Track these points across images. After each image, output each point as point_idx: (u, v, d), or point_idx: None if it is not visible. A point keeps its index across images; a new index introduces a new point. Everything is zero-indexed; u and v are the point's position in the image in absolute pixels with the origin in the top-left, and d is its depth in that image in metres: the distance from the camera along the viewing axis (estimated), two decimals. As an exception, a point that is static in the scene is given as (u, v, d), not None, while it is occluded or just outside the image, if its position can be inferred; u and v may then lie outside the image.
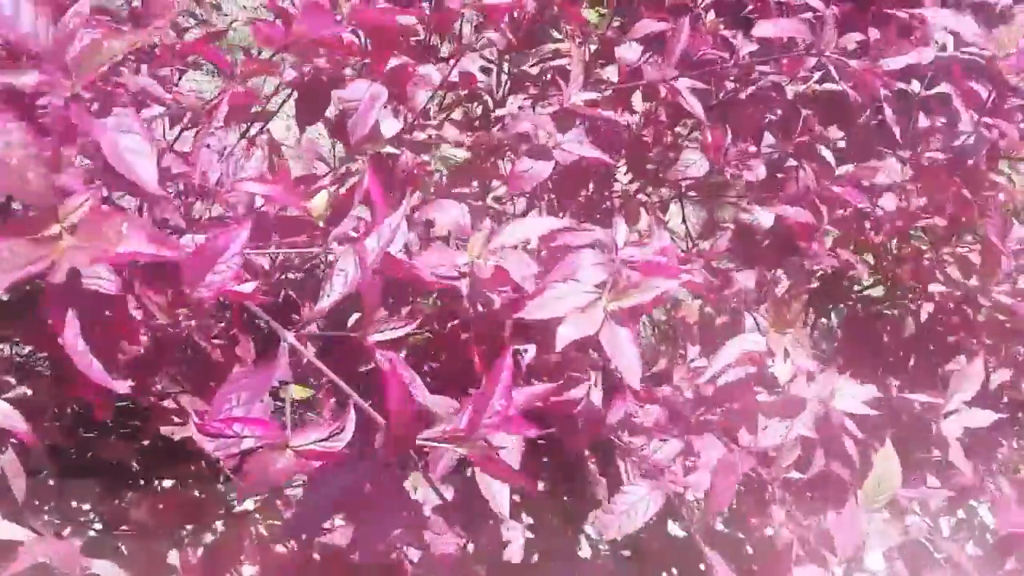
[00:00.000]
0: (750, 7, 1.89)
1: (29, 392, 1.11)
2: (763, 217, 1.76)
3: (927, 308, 1.76)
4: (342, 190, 1.27)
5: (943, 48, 1.77)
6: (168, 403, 1.17)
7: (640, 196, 1.77)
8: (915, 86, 1.83)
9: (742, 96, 1.80)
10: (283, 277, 1.34)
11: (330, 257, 0.99)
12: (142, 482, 1.47)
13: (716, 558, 1.18)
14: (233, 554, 1.09)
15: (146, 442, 1.47)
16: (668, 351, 1.48)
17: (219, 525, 1.28)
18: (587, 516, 1.62)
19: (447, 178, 1.55)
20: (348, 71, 1.30)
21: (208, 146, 1.07)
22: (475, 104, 1.71)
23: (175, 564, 1.19)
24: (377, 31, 1.18)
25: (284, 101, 1.41)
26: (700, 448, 1.23)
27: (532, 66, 1.59)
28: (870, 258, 1.95)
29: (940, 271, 1.76)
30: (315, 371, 0.88)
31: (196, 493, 1.37)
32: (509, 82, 1.64)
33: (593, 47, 1.69)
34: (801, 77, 1.81)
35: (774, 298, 1.28)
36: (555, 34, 1.78)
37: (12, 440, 1.04)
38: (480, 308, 1.14)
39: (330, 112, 1.35)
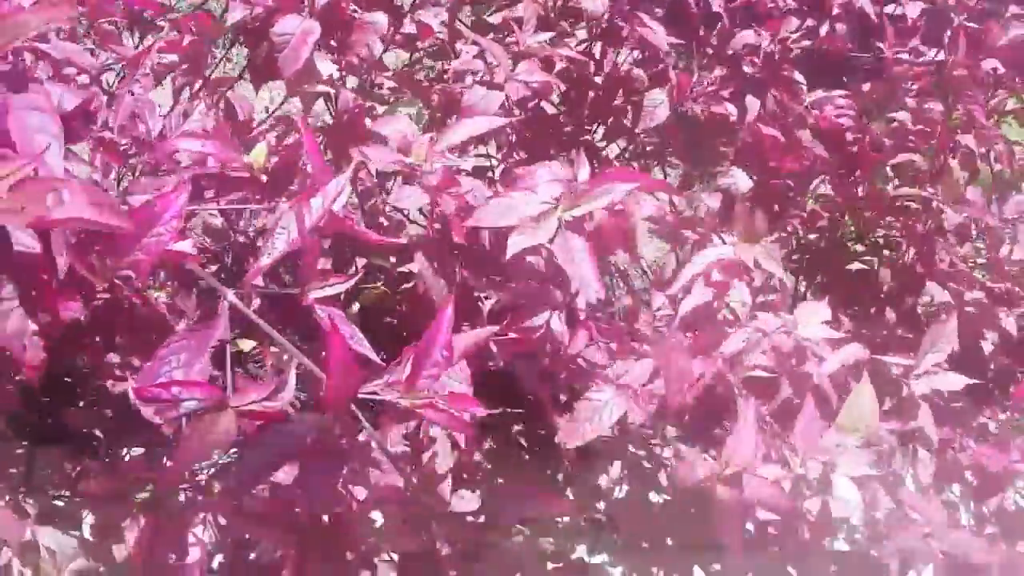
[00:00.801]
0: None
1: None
2: (740, 180, 1.74)
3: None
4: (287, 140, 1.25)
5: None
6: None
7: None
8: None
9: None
10: (235, 238, 1.32)
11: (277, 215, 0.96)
12: (108, 449, 1.44)
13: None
14: (185, 520, 1.06)
15: (109, 411, 1.44)
16: (634, 299, 1.44)
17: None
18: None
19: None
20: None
21: (132, 94, 1.03)
22: (440, 63, 1.68)
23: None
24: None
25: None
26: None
27: (490, 15, 1.55)
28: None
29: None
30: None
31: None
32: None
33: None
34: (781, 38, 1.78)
35: (742, 208, 1.23)
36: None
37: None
38: (436, 228, 1.12)
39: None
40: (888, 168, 1.79)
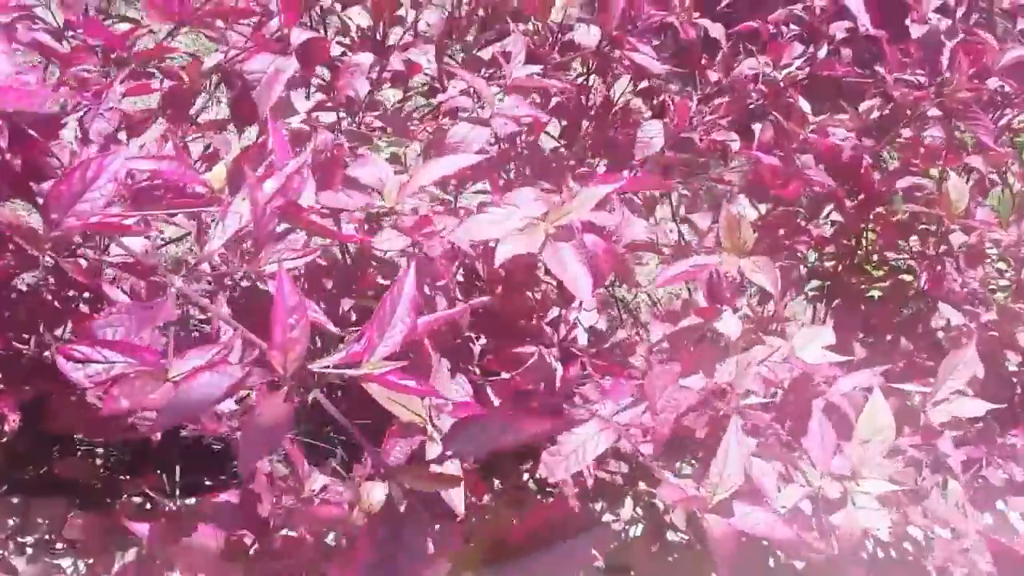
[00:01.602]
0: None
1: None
2: (748, 211, 1.71)
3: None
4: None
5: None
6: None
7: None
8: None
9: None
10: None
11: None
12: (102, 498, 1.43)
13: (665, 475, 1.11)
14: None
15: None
16: (630, 330, 1.42)
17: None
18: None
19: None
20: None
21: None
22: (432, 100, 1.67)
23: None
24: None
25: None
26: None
27: (480, 50, 1.55)
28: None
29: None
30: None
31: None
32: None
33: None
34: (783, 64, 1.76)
35: (727, 216, 1.19)
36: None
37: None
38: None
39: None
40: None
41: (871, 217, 1.71)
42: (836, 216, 1.78)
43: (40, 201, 0.83)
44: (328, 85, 1.35)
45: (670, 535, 1.59)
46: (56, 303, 1.06)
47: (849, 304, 1.76)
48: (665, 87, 1.79)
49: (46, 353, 1.06)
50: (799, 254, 1.81)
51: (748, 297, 2.16)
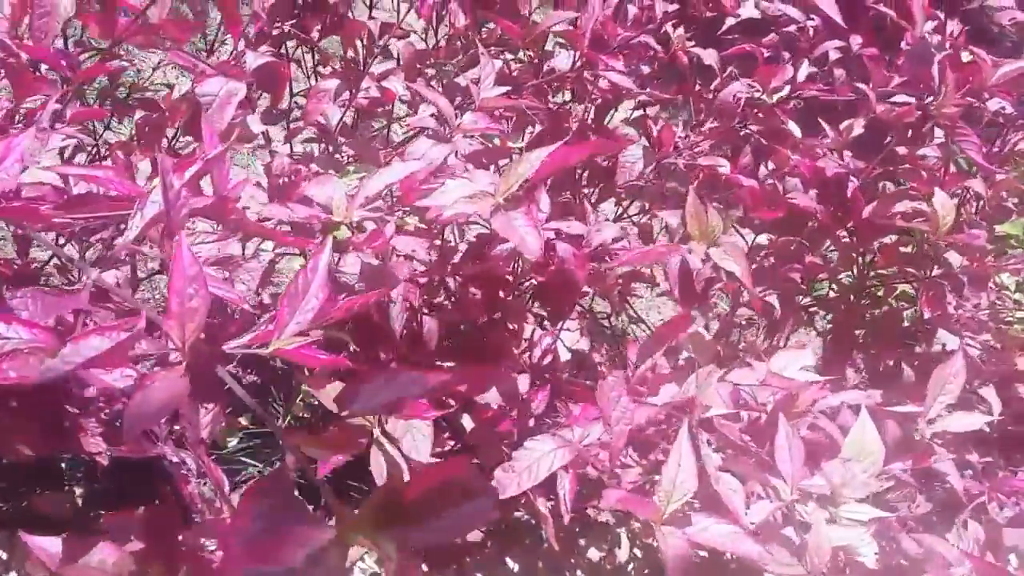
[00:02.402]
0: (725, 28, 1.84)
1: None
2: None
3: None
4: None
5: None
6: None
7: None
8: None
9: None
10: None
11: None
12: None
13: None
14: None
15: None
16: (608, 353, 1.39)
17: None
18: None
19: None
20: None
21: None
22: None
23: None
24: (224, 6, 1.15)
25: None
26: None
27: (456, 76, 1.54)
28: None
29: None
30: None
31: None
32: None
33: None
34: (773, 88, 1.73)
35: (693, 203, 1.16)
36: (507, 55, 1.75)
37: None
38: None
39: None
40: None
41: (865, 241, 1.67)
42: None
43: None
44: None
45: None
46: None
47: (845, 331, 1.70)
48: (659, 115, 1.78)
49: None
50: (800, 283, 1.77)
51: (756, 331, 2.13)
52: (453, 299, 1.39)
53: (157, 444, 1.03)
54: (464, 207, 1.03)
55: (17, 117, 1.10)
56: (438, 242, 1.30)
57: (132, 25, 1.08)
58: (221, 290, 0.81)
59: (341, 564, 0.56)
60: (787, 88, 1.68)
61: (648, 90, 1.79)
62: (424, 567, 1.59)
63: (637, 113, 1.81)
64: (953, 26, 1.62)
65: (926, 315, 1.56)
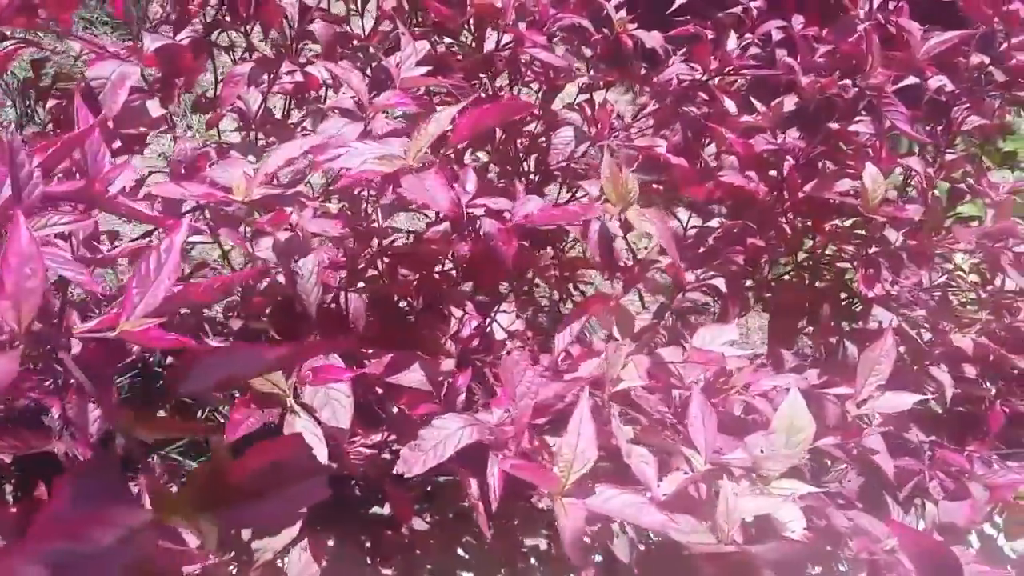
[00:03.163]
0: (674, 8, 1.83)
1: None
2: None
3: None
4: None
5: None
6: None
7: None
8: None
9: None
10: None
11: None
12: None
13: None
14: None
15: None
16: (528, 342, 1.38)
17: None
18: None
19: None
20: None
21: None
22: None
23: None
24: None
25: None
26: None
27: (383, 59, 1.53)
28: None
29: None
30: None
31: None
32: (368, 81, 1.58)
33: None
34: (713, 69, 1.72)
35: (609, 166, 1.14)
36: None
37: None
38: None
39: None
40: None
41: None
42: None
43: None
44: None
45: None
46: None
47: (786, 311, 1.69)
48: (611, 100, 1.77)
49: None
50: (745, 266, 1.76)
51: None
52: (383, 281, 1.38)
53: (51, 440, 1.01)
54: (373, 166, 1.03)
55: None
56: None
57: (11, 4, 1.06)
58: (71, 271, 0.79)
59: (153, 544, 0.55)
60: (724, 68, 1.67)
61: (591, 72, 1.79)
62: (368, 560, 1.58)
63: (582, 97, 1.81)
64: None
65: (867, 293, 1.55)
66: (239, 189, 1.05)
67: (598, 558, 1.29)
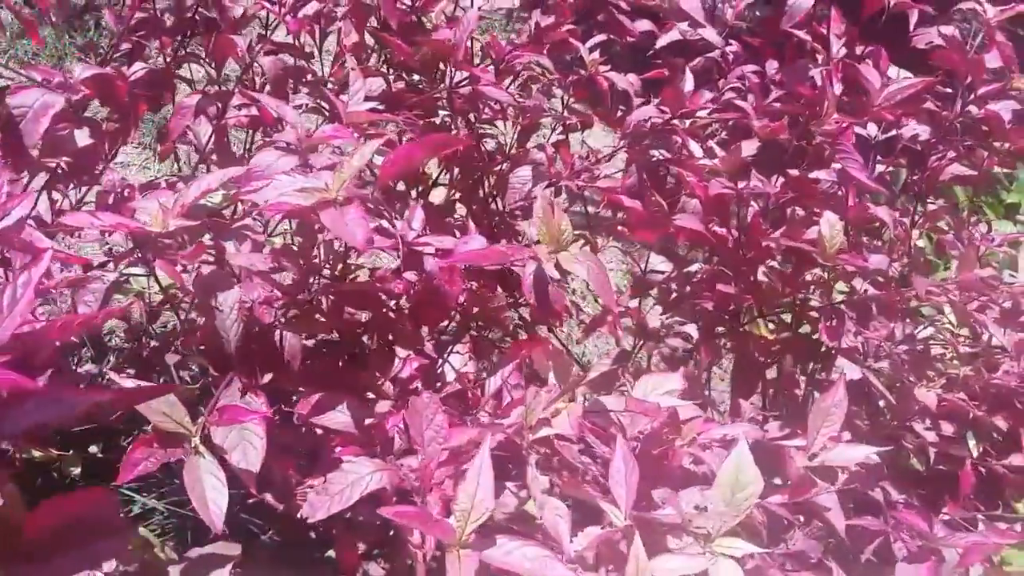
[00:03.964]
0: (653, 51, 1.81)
1: None
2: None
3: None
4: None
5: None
6: None
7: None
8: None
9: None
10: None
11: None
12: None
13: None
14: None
15: None
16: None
17: None
18: None
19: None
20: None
21: None
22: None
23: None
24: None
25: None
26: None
27: (338, 94, 1.51)
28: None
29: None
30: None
31: None
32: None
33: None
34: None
35: (543, 202, 1.10)
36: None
37: None
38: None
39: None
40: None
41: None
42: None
43: None
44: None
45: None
46: None
47: (747, 360, 1.64)
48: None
49: None
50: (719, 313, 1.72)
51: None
52: (325, 319, 1.35)
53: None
54: (290, 199, 1.02)
55: None
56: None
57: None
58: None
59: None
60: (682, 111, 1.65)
61: (562, 112, 1.77)
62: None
63: (558, 137, 1.79)
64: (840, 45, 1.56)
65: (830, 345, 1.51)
66: (156, 220, 1.04)
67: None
